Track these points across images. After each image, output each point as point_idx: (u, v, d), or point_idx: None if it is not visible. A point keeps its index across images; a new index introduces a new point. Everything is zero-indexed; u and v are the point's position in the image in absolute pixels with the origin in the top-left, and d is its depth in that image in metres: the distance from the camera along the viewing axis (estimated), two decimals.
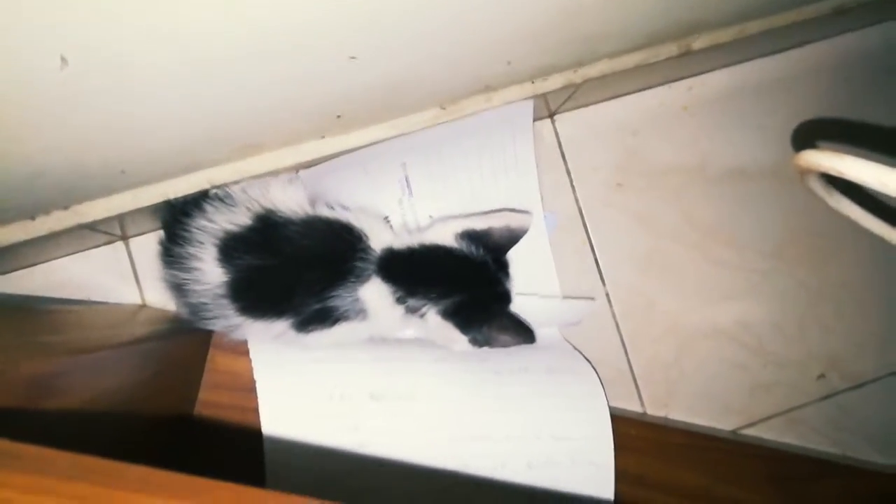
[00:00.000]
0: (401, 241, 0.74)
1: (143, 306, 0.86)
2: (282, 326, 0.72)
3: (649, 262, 0.94)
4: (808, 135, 0.97)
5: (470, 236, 0.75)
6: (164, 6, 0.42)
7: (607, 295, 0.93)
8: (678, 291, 0.94)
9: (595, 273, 0.94)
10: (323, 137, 0.77)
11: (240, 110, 0.65)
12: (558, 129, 0.95)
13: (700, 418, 0.93)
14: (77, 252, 0.86)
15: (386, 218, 0.82)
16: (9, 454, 0.22)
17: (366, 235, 0.73)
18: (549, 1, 0.62)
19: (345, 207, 0.76)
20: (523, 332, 0.75)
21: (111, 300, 0.86)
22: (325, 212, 0.74)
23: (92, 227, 0.76)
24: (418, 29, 0.60)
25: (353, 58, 0.60)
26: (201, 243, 0.71)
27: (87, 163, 0.63)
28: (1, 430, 0.24)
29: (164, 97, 0.55)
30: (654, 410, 0.92)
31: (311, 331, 0.72)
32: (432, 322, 0.72)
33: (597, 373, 0.82)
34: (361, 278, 0.71)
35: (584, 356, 0.85)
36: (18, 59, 0.42)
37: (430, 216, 0.85)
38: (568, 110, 0.95)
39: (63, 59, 0.43)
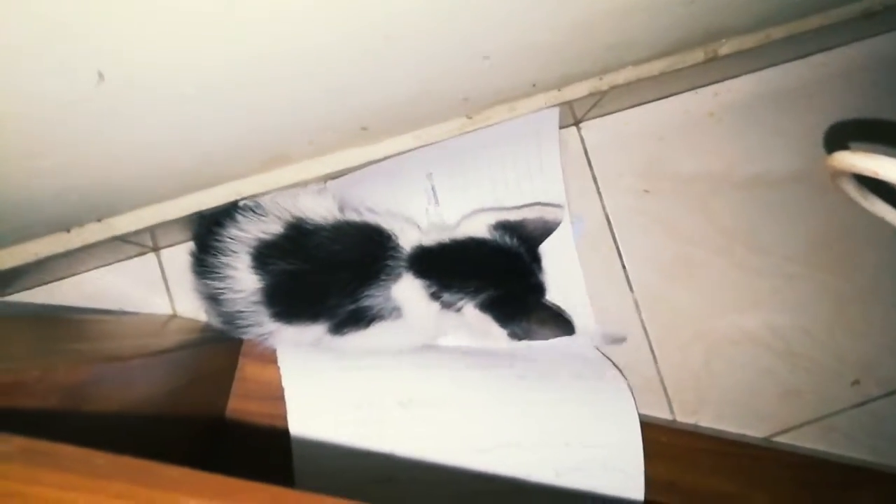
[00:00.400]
0: (431, 238, 0.75)
1: (174, 316, 0.87)
2: (317, 330, 0.74)
3: (676, 267, 0.94)
4: (835, 139, 0.96)
5: (504, 227, 0.75)
6: (197, 25, 0.43)
7: (635, 301, 0.93)
8: (705, 297, 0.94)
9: (623, 279, 0.93)
10: (349, 148, 0.78)
11: (268, 124, 0.66)
12: (584, 137, 0.95)
13: (731, 425, 0.92)
14: (110, 264, 0.88)
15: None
16: (47, 453, 0.23)
17: (395, 235, 0.74)
18: (566, 14, 0.62)
19: (373, 211, 0.77)
20: (562, 324, 0.75)
21: (143, 310, 0.88)
22: (354, 216, 0.75)
23: (124, 238, 0.78)
24: (442, 42, 0.61)
25: (376, 70, 0.61)
26: (235, 252, 0.72)
27: (120, 177, 0.65)
28: (39, 431, 0.25)
29: (195, 113, 0.56)
30: (684, 417, 0.91)
31: (347, 333, 0.74)
32: (470, 316, 0.72)
33: (626, 379, 0.82)
34: (393, 276, 0.72)
35: (612, 363, 0.84)
36: (57, 73, 0.44)
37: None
38: (594, 118, 0.95)
39: (100, 75, 0.44)
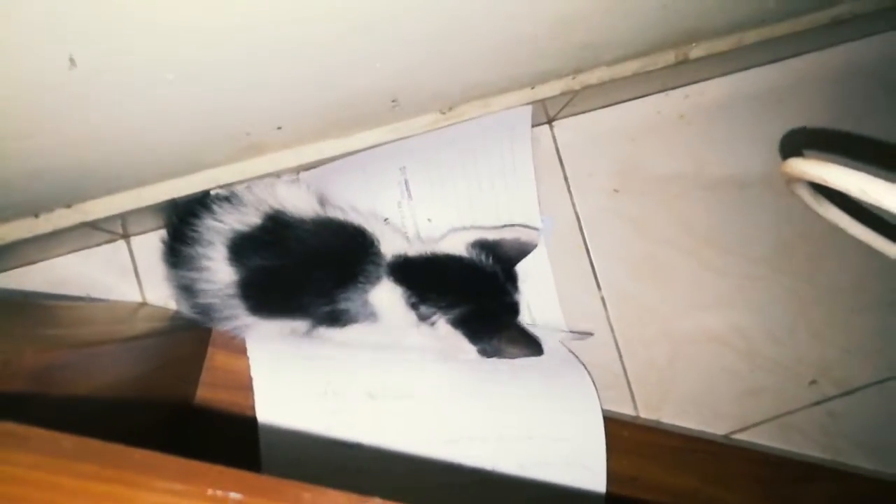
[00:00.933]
0: (413, 249, 0.76)
1: (144, 304, 0.87)
2: (293, 326, 0.74)
3: (644, 267, 0.96)
4: (800, 144, 0.99)
5: (481, 245, 0.76)
6: (167, 5, 0.44)
7: (602, 300, 0.94)
8: (672, 296, 0.95)
9: (591, 277, 0.95)
10: (324, 140, 0.78)
11: (243, 110, 0.66)
12: (556, 135, 0.96)
13: (692, 422, 0.94)
14: (79, 250, 0.88)
15: (385, 220, 0.83)
16: (17, 435, 0.23)
17: (377, 240, 0.74)
18: (545, 10, 0.63)
19: (356, 210, 0.78)
20: (531, 346, 0.76)
21: (112, 297, 0.87)
22: (336, 213, 0.75)
23: (94, 225, 0.77)
24: (418, 35, 0.61)
25: (353, 62, 0.61)
26: (211, 243, 0.72)
27: (91, 162, 0.64)
28: (7, 414, 0.25)
29: (168, 97, 0.56)
30: (648, 414, 0.93)
31: (322, 330, 0.75)
32: (442, 330, 0.73)
33: (591, 376, 0.83)
34: (371, 281, 0.72)
35: (578, 359, 0.85)
36: (27, 57, 0.44)
37: (429, 219, 0.87)
38: (566, 116, 0.96)
39: (72, 60, 0.44)
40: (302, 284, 0.72)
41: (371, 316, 0.74)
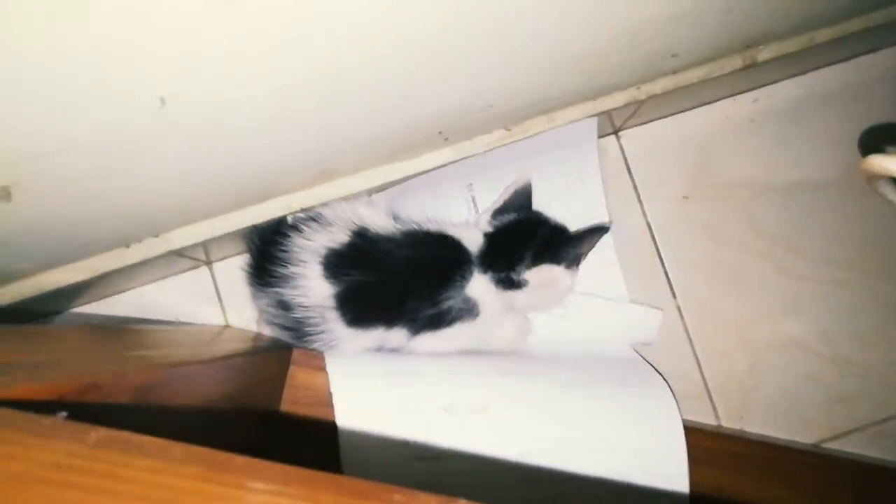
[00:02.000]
0: (478, 233, 0.81)
1: (227, 327, 0.91)
2: (388, 337, 0.78)
3: (719, 274, 0.94)
4: (878, 141, 0.95)
5: (499, 213, 0.84)
6: (251, 53, 0.46)
7: (678, 308, 0.93)
8: (749, 303, 0.93)
9: (666, 287, 0.94)
10: (392, 163, 0.80)
11: (319, 142, 0.69)
12: (623, 146, 0.96)
13: (778, 431, 0.91)
14: (165, 277, 0.92)
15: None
16: (133, 442, 0.26)
17: (460, 239, 0.79)
18: (609, 24, 0.64)
19: (432, 221, 0.82)
20: (595, 231, 0.83)
21: (197, 321, 0.92)
22: (414, 226, 0.80)
23: (180, 252, 0.81)
24: (483, 64, 0.63)
25: (426, 87, 0.63)
26: (304, 261, 0.76)
27: (176, 194, 0.68)
28: (120, 424, 0.27)
29: (252, 134, 0.59)
30: (730, 423, 0.91)
31: (424, 335, 0.78)
32: (533, 278, 0.79)
33: (669, 385, 0.82)
34: (466, 277, 0.77)
35: (655, 369, 0.84)
36: (121, 99, 0.47)
37: None
38: (633, 126, 0.96)
39: (162, 100, 0.47)
40: (402, 293, 0.76)
41: (472, 310, 0.78)
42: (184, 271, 0.93)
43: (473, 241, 0.80)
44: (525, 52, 0.65)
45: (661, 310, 0.89)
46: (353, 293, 0.75)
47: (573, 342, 0.88)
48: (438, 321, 0.77)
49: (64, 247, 0.73)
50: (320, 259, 0.75)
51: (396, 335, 0.78)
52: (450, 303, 0.77)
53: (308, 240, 0.76)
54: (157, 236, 0.79)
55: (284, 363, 0.79)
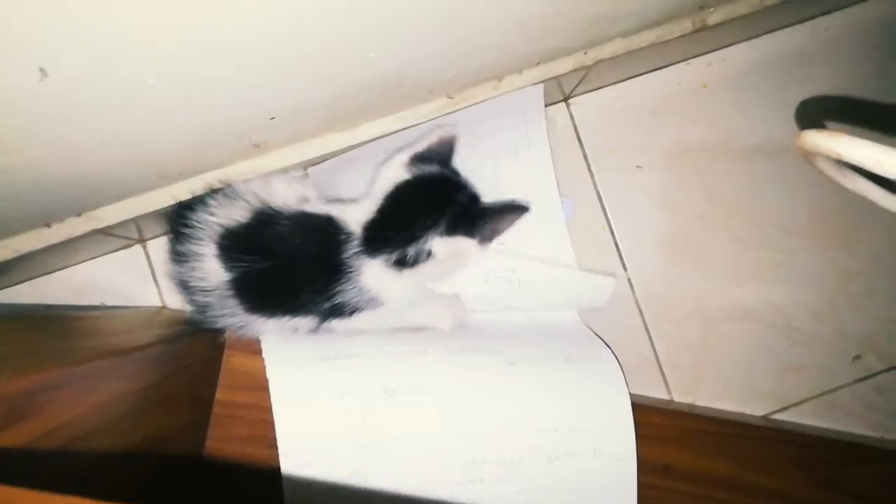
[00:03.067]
0: (366, 207, 0.73)
1: (163, 308, 0.87)
2: (296, 323, 0.73)
3: (671, 244, 0.92)
4: (827, 110, 0.93)
5: (416, 159, 0.75)
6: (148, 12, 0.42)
7: (629, 280, 0.91)
8: (702, 273, 0.92)
9: (616, 258, 0.92)
10: (329, 134, 0.77)
11: (242, 110, 0.64)
12: (573, 113, 0.93)
13: (729, 403, 0.90)
14: (97, 256, 0.88)
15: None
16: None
17: (344, 223, 0.72)
18: None
19: (333, 201, 0.76)
20: (514, 208, 0.77)
21: (132, 303, 0.88)
22: (310, 207, 0.73)
23: (107, 231, 0.77)
24: (416, 23, 0.59)
25: (349, 55, 0.59)
26: (202, 239, 0.71)
27: (91, 170, 0.64)
28: None
29: (155, 102, 0.55)
30: (681, 397, 0.90)
31: (331, 323, 0.73)
32: (440, 248, 0.72)
33: (617, 359, 0.80)
34: (357, 266, 0.71)
35: (605, 343, 0.82)
36: None
37: None
38: (583, 93, 0.92)
39: (42, 71, 0.43)
40: (294, 284, 0.71)
41: (372, 301, 0.72)
42: (116, 250, 0.89)
43: (359, 219, 0.73)
44: (462, 16, 0.61)
45: (614, 276, 0.86)
46: (246, 280, 0.70)
47: (523, 309, 0.85)
48: (339, 313, 0.72)
49: None
50: (216, 238, 0.70)
51: (304, 322, 0.73)
52: (343, 296, 0.71)
53: (209, 215, 0.71)
54: (80, 215, 0.75)
55: (220, 346, 0.76)
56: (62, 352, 0.51)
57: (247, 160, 0.76)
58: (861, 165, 0.37)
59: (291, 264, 0.70)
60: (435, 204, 0.73)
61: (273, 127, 0.71)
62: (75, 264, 0.88)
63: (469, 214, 0.74)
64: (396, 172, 0.74)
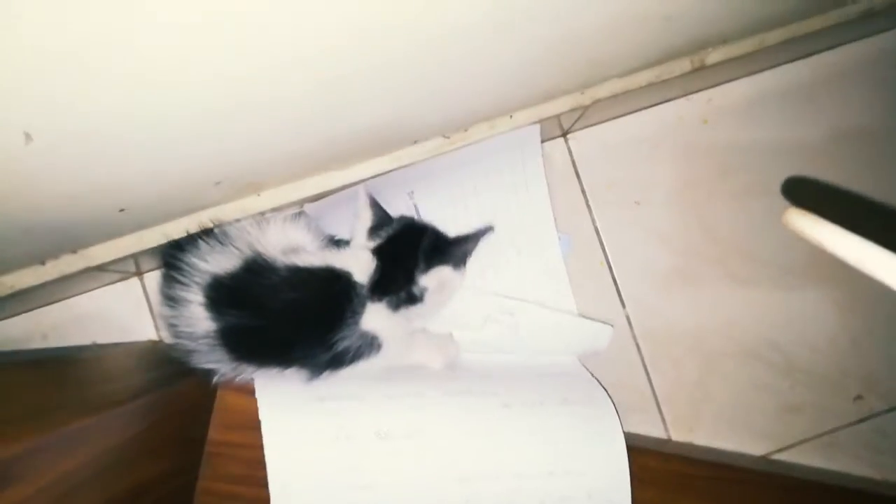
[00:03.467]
0: (366, 255, 0.75)
1: (157, 342, 0.87)
2: (288, 375, 0.72)
3: (670, 280, 0.91)
4: (833, 145, 0.92)
5: (375, 228, 0.78)
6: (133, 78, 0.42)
7: (627, 317, 0.90)
8: (700, 310, 0.91)
9: (614, 294, 0.91)
10: (324, 173, 0.76)
11: (235, 156, 0.64)
12: (572, 148, 0.92)
13: (728, 443, 0.89)
14: (93, 289, 0.88)
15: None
16: None
17: (349, 272, 0.72)
18: (544, 34, 0.60)
19: (330, 244, 0.78)
20: (478, 232, 0.80)
21: (127, 336, 0.87)
22: (305, 260, 0.72)
23: (102, 268, 0.77)
24: (410, 77, 0.59)
25: (340, 102, 0.59)
26: (190, 284, 0.70)
27: (80, 216, 0.64)
28: None
29: (146, 155, 0.55)
30: (679, 436, 0.89)
31: (327, 376, 0.72)
32: (429, 282, 0.75)
33: (613, 402, 0.79)
34: (359, 312, 0.71)
35: (600, 383, 0.82)
36: None
37: None
38: (582, 128, 0.92)
39: (27, 135, 0.43)
40: (288, 338, 0.70)
41: (372, 345, 0.72)
42: (114, 283, 0.89)
43: (362, 268, 0.73)
44: (460, 68, 0.61)
45: (612, 325, 0.86)
46: (234, 333, 0.69)
47: (521, 352, 0.85)
48: (338, 363, 0.71)
49: None
50: (204, 286, 0.69)
51: (296, 375, 0.71)
52: (345, 343, 0.70)
53: (200, 259, 0.70)
54: (74, 252, 0.75)
55: (211, 386, 0.76)
56: (48, 410, 0.51)
57: (241, 199, 0.76)
58: (843, 259, 0.37)
59: (283, 318, 0.69)
60: (411, 251, 0.76)
61: (266, 169, 0.71)
62: (72, 296, 0.88)
63: (438, 246, 0.77)
64: (368, 244, 0.77)
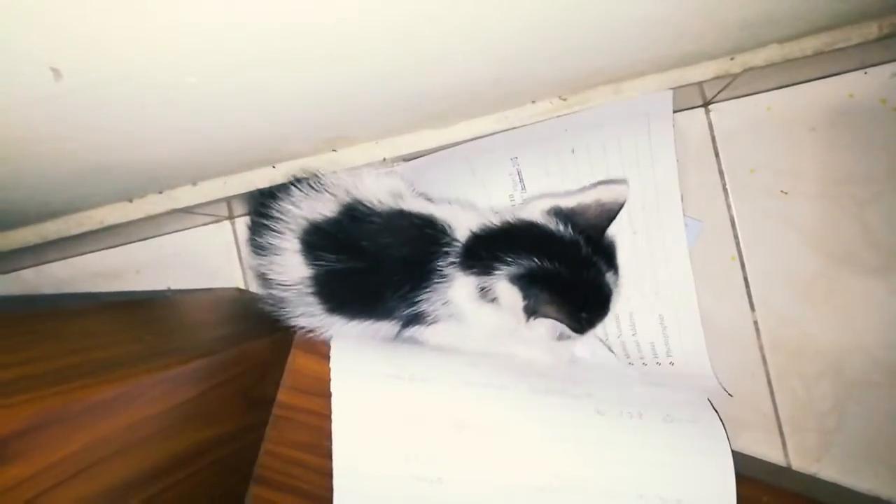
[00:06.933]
0: (484, 221, 0.65)
1: (244, 291, 0.84)
2: (377, 328, 0.67)
3: (812, 287, 0.78)
4: None
5: (558, 213, 0.64)
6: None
7: (755, 322, 0.79)
8: (845, 326, 0.77)
9: (743, 295, 0.79)
10: (420, 130, 0.69)
11: (331, 104, 0.58)
12: (713, 121, 0.80)
13: (860, 480, 0.76)
14: (185, 229, 0.87)
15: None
16: None
17: (450, 227, 0.65)
18: None
19: (430, 199, 0.69)
20: (573, 317, 0.62)
21: (215, 281, 0.85)
22: (408, 205, 0.66)
23: (189, 210, 0.74)
24: (524, 20, 0.49)
25: (444, 53, 0.51)
26: (284, 231, 0.66)
27: (159, 156, 0.60)
28: None
29: (199, 103, 0.50)
30: (802, 465, 0.77)
31: (410, 331, 0.67)
32: (500, 290, 0.62)
33: (724, 427, 0.68)
34: (447, 278, 0.64)
35: (710, 403, 0.71)
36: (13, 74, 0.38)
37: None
38: (727, 99, 0.79)
39: (55, 70, 0.38)
40: (378, 287, 0.64)
41: (453, 317, 0.65)
42: (206, 224, 0.86)
43: (466, 226, 0.64)
44: (573, 18, 0.51)
45: (732, 396, 0.74)
46: (329, 280, 0.64)
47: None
48: (418, 321, 0.65)
49: (58, 198, 0.67)
50: (300, 232, 0.65)
51: (385, 328, 0.67)
52: (426, 305, 0.64)
53: (294, 206, 0.66)
54: (160, 192, 0.73)
55: (287, 344, 0.72)
56: (104, 363, 0.48)
57: (332, 152, 0.70)
58: None
59: (380, 265, 0.64)
60: (530, 252, 0.62)
61: (359, 121, 0.65)
62: (165, 234, 0.87)
63: (554, 283, 0.62)
64: (534, 213, 0.65)
